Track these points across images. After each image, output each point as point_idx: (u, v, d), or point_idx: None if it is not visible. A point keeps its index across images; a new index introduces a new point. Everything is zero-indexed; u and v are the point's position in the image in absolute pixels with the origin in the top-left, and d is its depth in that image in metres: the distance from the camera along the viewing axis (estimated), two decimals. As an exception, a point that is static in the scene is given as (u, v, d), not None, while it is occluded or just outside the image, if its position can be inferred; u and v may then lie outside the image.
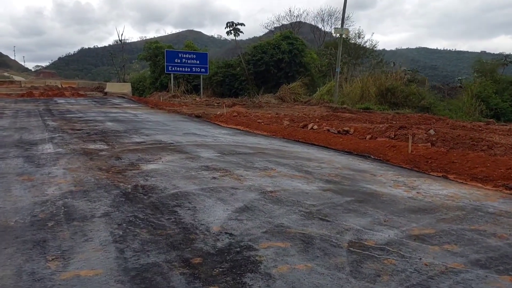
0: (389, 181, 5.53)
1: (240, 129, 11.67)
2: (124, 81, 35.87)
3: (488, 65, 26.90)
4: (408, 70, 34.15)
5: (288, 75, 26.57)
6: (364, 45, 36.42)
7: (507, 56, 33.34)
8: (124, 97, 25.96)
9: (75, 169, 5.69)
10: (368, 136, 9.07)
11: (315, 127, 10.47)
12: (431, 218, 3.99)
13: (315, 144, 8.81)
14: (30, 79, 57.60)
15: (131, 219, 3.72)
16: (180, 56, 24.58)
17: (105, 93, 30.43)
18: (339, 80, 22.88)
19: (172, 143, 8.30)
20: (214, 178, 5.33)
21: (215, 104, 21.11)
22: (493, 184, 5.53)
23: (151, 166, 5.94)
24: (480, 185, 5.59)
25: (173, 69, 24.61)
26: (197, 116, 15.02)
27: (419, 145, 7.82)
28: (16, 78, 59.27)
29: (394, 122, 11.80)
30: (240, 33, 26.80)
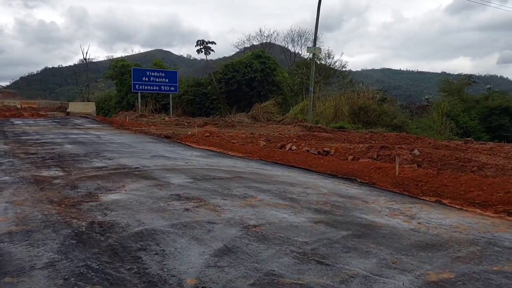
0: (383, 209, 4.96)
1: (213, 150, 10.96)
2: (88, 101, 34.46)
3: (454, 84, 27.57)
4: (377, 90, 34.66)
5: (260, 94, 26.20)
6: (334, 65, 36.81)
7: (470, 76, 34.42)
8: (87, 117, 24.72)
9: (20, 202, 4.80)
10: (349, 157, 8.58)
11: (294, 147, 9.91)
12: (445, 256, 3.40)
13: (295, 167, 8.22)
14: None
15: (82, 270, 2.93)
16: (148, 74, 23.70)
17: (68, 113, 29.03)
18: (312, 99, 22.67)
19: (138, 167, 7.48)
20: (187, 210, 4.59)
21: (186, 123, 20.31)
22: (493, 210, 5.07)
23: (112, 197, 5.12)
24: (479, 211, 5.12)
25: (140, 88, 23.65)
26: (167, 137, 14.19)
27: (405, 166, 7.37)
28: None
29: (374, 142, 11.44)
30: (211, 52, 26.36)
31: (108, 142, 12.14)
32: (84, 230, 3.80)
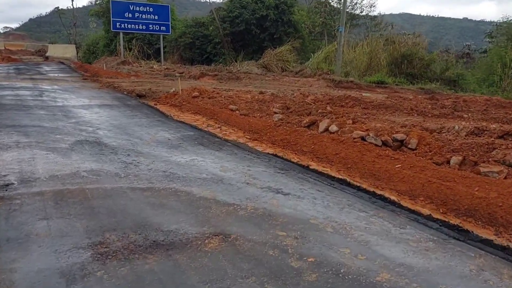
0: None
1: (197, 125, 6.69)
2: (76, 43, 29.72)
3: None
4: (409, 34, 29.14)
5: (273, 37, 21.17)
6: (361, 4, 30.99)
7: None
8: (63, 63, 20.30)
9: None
10: (455, 159, 4.22)
11: (334, 127, 5.55)
12: None
13: (350, 185, 3.92)
14: (1, 41, 50.58)
15: None
16: (131, 9, 18.60)
17: (46, 58, 24.63)
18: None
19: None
20: None
21: (177, 74, 15.80)
22: None
23: None
24: None
25: (122, 27, 18.70)
26: (139, 95, 9.85)
27: None
28: None
29: (458, 112, 6.97)
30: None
31: (44, 104, 7.90)
32: None
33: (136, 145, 5.11)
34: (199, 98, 9.12)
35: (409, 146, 4.78)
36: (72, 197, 3.24)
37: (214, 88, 11.15)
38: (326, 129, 5.67)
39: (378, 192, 3.72)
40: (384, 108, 7.56)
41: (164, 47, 22.00)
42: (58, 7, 32.76)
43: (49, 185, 3.49)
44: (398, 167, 4.23)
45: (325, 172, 4.32)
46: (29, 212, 2.92)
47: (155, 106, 8.54)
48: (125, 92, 10.37)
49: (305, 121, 6.11)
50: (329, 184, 3.93)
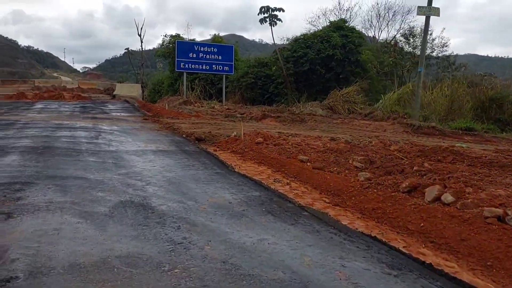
0: None
1: (262, 181, 5.55)
2: (143, 83, 30.67)
3: None
4: (485, 75, 26.67)
5: (339, 78, 20.04)
6: (432, 44, 29.13)
7: None
8: (128, 102, 20.55)
9: None
10: None
11: (449, 198, 4.13)
12: None
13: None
14: (77, 79, 55.24)
15: None
16: (196, 49, 18.52)
17: (114, 96, 25.39)
18: (414, 86, 16.25)
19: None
20: None
21: (238, 115, 15.06)
22: None
23: None
24: None
25: (185, 67, 18.59)
26: (199, 140, 9.02)
27: None
28: (64, 78, 59.51)
29: None
30: (277, 22, 20.50)
31: (96, 148, 7.25)
32: None
33: (189, 211, 4.04)
34: (263, 145, 8.06)
35: None
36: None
37: (278, 132, 10.10)
38: (437, 199, 4.25)
39: None
40: (498, 167, 5.95)
41: (226, 87, 21.70)
42: (128, 48, 34.51)
43: (64, 283, 2.46)
44: None
45: (456, 276, 2.90)
46: None
47: (214, 153, 7.58)
48: (183, 135, 9.61)
49: (404, 185, 4.72)
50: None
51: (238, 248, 3.18)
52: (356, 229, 3.87)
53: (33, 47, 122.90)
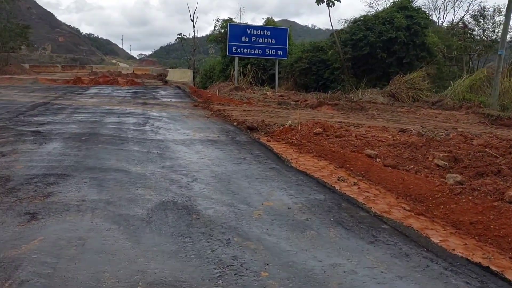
0: None
1: (325, 179, 4.74)
2: (194, 68, 30.54)
3: None
4: None
5: (402, 62, 18.41)
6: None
7: None
8: (179, 87, 20.34)
9: None
10: None
11: None
12: None
13: None
14: (133, 66, 57.03)
15: None
16: (248, 32, 17.74)
17: (166, 82, 25.39)
18: (489, 71, 14.44)
19: None
20: None
21: (292, 102, 14.18)
22: None
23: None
24: None
25: (238, 51, 17.88)
26: (251, 128, 8.32)
27: None
28: (121, 65, 61.19)
29: None
30: (336, 1, 19.12)
31: (143, 136, 6.78)
32: None
33: (241, 218, 3.33)
34: (323, 136, 7.18)
35: None
36: None
37: (338, 122, 9.16)
38: None
39: None
40: None
41: (278, 73, 20.84)
42: (181, 33, 34.49)
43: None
44: None
45: None
46: None
47: (268, 144, 6.83)
48: (234, 123, 8.95)
49: (511, 193, 3.70)
50: None
51: (304, 277, 2.42)
52: (456, 252, 2.96)
53: (94, 34, 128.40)
